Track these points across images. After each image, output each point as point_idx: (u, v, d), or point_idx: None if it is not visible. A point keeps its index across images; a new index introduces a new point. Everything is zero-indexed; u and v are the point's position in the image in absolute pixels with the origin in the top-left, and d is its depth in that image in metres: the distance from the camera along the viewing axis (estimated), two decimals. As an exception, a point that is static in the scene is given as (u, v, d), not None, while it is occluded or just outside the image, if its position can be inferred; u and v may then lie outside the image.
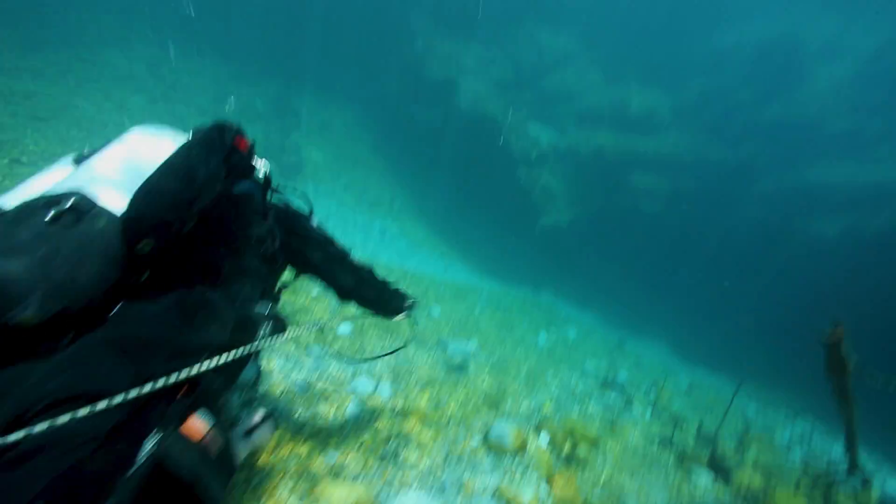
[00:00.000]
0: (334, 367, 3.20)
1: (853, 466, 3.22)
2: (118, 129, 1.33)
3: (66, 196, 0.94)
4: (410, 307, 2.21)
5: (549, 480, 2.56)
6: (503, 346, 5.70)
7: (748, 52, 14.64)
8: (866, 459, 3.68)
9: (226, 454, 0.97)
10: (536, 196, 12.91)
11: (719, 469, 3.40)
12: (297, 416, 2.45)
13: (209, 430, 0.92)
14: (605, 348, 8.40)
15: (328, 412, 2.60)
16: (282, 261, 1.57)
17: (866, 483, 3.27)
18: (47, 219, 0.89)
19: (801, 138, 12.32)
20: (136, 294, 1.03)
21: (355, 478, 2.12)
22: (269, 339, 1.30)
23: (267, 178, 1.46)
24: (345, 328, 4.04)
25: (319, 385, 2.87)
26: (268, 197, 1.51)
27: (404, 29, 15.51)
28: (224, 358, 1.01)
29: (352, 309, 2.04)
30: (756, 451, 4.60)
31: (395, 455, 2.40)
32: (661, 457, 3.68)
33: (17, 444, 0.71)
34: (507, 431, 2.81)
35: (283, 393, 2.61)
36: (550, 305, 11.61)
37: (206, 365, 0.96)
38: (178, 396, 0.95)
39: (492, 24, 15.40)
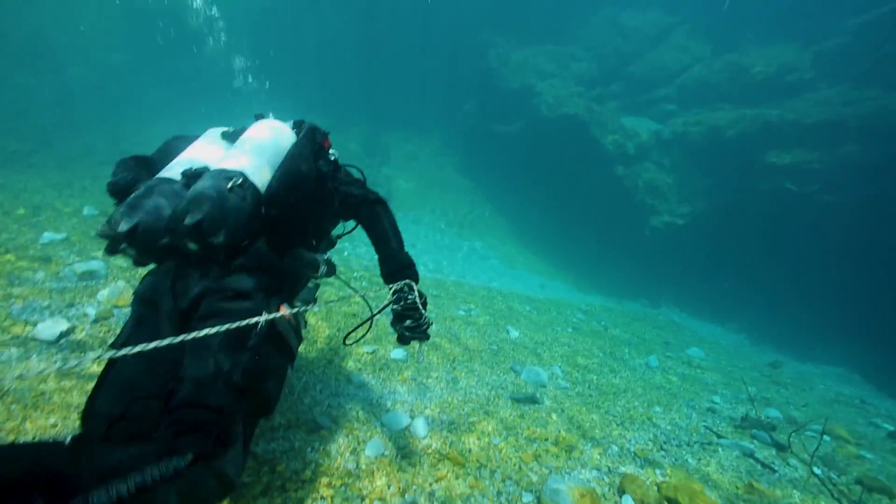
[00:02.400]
0: (369, 399, 2.87)
1: None
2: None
3: (236, 174, 1.57)
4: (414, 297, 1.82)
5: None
6: (598, 372, 4.75)
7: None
8: None
9: (297, 325, 1.75)
10: (641, 194, 11.27)
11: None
12: (303, 453, 2.15)
13: (290, 313, 1.62)
14: (747, 374, 6.55)
15: (341, 451, 2.25)
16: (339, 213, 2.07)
17: None
18: (228, 187, 1.51)
19: None
20: (266, 239, 1.70)
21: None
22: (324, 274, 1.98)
23: (335, 160, 2.00)
24: (398, 353, 3.72)
25: (344, 419, 2.55)
26: (338, 171, 2.05)
27: (477, 50, 15.60)
28: (303, 284, 2.04)
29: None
30: None
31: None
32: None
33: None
34: (564, 489, 2.08)
35: (292, 423, 2.34)
36: (670, 321, 9.75)
37: (298, 287, 1.96)
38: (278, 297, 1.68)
39: (563, 21, 14.49)
